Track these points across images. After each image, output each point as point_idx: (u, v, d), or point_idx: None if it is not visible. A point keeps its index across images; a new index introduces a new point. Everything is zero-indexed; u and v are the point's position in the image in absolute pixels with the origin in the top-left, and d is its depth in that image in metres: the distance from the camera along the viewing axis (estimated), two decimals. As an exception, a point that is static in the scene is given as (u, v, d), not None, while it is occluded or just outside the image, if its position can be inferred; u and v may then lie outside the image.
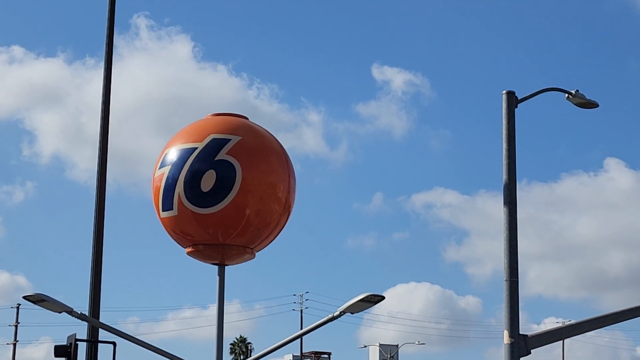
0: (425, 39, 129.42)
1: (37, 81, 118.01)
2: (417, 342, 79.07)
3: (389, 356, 78.86)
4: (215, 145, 13.10)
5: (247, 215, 13.10)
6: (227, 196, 12.93)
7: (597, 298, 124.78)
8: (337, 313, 12.86)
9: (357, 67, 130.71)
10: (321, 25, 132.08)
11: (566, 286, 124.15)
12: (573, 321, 20.42)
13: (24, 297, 13.94)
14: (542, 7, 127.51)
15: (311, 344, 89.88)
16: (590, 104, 19.99)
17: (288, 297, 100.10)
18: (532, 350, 18.13)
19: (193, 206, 13.04)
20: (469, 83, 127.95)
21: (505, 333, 17.89)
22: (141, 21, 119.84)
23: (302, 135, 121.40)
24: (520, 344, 17.92)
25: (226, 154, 13.04)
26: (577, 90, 19.80)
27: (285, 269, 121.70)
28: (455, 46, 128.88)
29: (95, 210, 21.99)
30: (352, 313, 12.87)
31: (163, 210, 13.33)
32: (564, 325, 19.92)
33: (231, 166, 12.98)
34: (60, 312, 14.00)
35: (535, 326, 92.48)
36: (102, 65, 23.16)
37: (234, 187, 12.93)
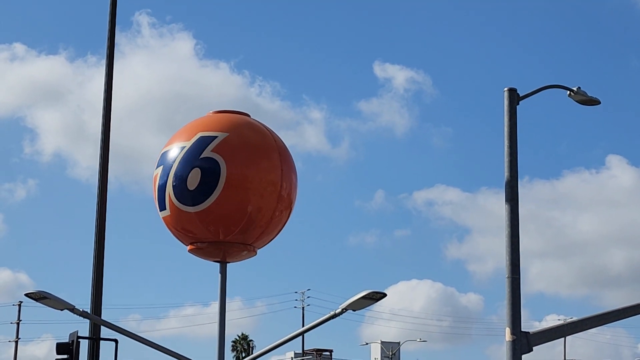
0: (427, 37, 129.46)
1: (39, 79, 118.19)
2: (418, 340, 79.15)
3: (390, 353, 78.87)
4: (202, 143, 13.05)
5: (240, 211, 12.98)
6: (213, 193, 12.85)
7: (599, 295, 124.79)
8: (338, 310, 12.85)
9: (359, 65, 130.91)
10: (323, 23, 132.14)
11: (568, 283, 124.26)
12: (575, 318, 20.41)
13: (26, 295, 13.93)
14: (544, 5, 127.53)
15: (313, 342, 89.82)
16: (592, 101, 19.95)
17: (290, 295, 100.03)
18: (533, 348, 18.11)
19: (182, 205, 13.03)
20: (470, 80, 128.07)
21: (507, 330, 17.86)
22: (143, 19, 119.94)
23: (304, 132, 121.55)
24: (522, 341, 17.90)
25: (211, 151, 12.98)
26: (579, 87, 19.75)
27: (286, 266, 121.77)
28: (457, 43, 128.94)
29: (97, 208, 22.00)
30: (354, 310, 12.85)
31: (160, 211, 13.41)
32: (565, 323, 19.93)
33: (216, 163, 12.92)
34: (62, 310, 14.00)
35: (537, 323, 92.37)
36: (103, 62, 23.17)
37: (218, 184, 12.86)
